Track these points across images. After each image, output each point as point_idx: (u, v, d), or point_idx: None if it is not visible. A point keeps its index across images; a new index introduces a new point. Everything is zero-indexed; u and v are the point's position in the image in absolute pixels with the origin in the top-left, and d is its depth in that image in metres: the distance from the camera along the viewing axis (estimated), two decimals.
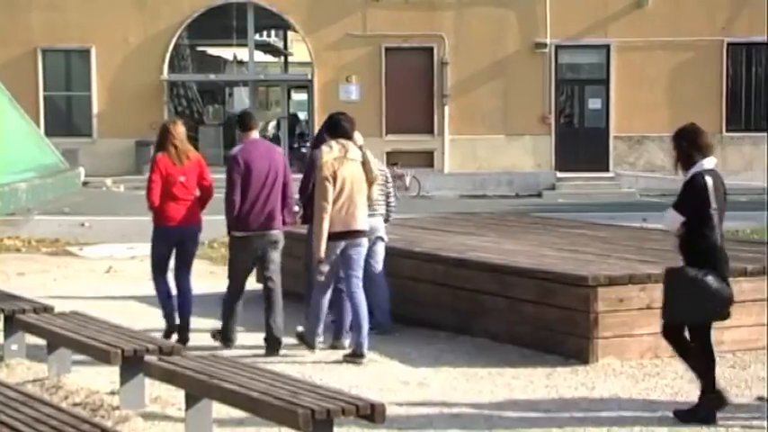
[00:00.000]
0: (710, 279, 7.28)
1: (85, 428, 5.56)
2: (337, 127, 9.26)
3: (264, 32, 38.87)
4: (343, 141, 9.18)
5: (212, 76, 35.88)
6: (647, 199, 28.54)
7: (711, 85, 30.98)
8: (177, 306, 9.61)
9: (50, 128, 29.57)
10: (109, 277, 12.79)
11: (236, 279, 9.54)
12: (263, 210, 9.31)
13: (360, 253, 9.16)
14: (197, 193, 9.60)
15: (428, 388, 8.28)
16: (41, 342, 8.88)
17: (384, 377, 8.61)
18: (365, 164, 9.16)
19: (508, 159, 31.03)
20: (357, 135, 9.48)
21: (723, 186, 7.50)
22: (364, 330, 9.03)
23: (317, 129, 30.60)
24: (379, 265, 10.06)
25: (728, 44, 30.95)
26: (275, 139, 35.14)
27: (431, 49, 31.04)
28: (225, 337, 9.54)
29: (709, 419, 7.32)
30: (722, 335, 9.22)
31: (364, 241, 9.21)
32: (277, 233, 9.43)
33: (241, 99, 37.04)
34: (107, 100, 30.89)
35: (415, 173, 30.08)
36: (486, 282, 9.81)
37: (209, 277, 13.29)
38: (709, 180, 7.38)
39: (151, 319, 10.84)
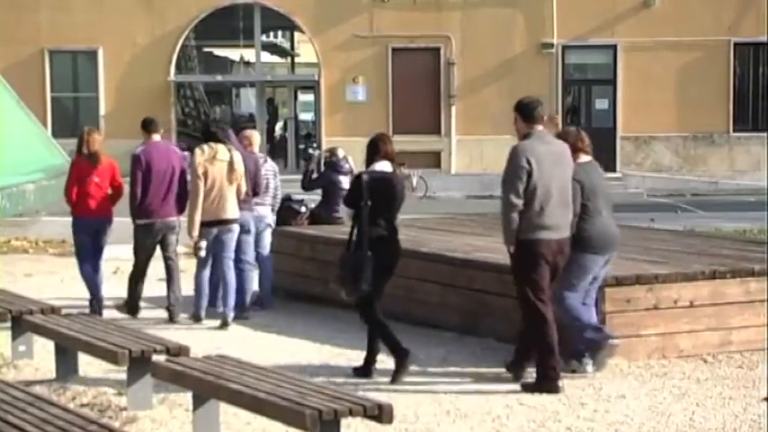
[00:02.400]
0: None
1: (93, 429, 5.56)
2: (209, 133, 10.96)
3: (271, 33, 38.88)
4: (213, 144, 10.75)
5: (219, 77, 35.90)
6: (655, 199, 28.50)
7: (719, 85, 30.94)
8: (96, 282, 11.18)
9: (58, 129, 29.59)
10: (116, 278, 12.80)
11: (141, 260, 11.09)
12: (161, 201, 10.92)
13: (231, 238, 10.81)
14: (109, 191, 11.11)
15: (435, 388, 8.27)
16: (49, 343, 8.89)
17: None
18: (231, 164, 10.68)
19: None
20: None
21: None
22: (231, 302, 10.69)
23: (323, 129, 30.71)
24: (266, 249, 11.68)
25: (735, 44, 30.90)
26: (282, 140, 35.18)
27: (438, 50, 31.04)
28: (130, 308, 11.09)
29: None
30: (730, 335, 9.23)
31: (234, 227, 10.80)
32: (173, 220, 11.05)
33: (248, 100, 37.08)
34: (114, 101, 30.94)
35: (421, 173, 30.06)
36: (492, 282, 9.80)
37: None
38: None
39: (158, 321, 10.86)
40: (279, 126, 36.52)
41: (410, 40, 30.82)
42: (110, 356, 7.75)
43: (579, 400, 7.92)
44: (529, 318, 8.15)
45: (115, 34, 30.68)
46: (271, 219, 11.96)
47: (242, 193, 10.81)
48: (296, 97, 36.45)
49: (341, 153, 12.86)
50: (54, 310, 9.32)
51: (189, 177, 10.93)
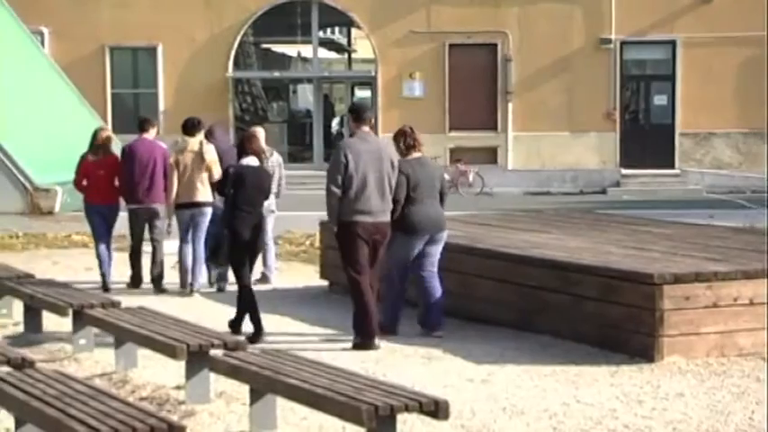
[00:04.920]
0: None
1: (152, 422, 5.61)
2: (185, 127, 12.51)
3: (328, 29, 38.93)
4: (185, 138, 12.39)
5: (276, 74, 36.02)
6: (714, 196, 28.22)
7: None
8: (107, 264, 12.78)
9: (118, 125, 29.84)
10: (175, 273, 12.91)
11: (133, 240, 12.86)
12: (145, 189, 12.58)
13: (203, 221, 12.31)
14: (116, 182, 12.79)
15: (492, 385, 8.27)
16: (109, 336, 9.00)
17: (448, 374, 8.61)
18: (200, 154, 12.23)
19: (572, 156, 30.84)
20: (276, 155, 13.01)
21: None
22: (198, 275, 12.33)
23: (380, 125, 30.75)
24: (269, 233, 12.72)
25: None
26: (339, 137, 35.24)
27: (495, 46, 30.93)
28: (133, 281, 12.81)
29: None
30: (737, 336, 9.09)
31: (207, 210, 12.27)
32: (157, 206, 12.63)
33: (305, 96, 37.18)
34: (173, 97, 31.18)
35: (478, 169, 29.99)
36: (549, 279, 9.77)
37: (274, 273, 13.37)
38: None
39: (215, 315, 10.94)
40: (335, 122, 36.58)
41: (467, 35, 30.74)
42: (168, 350, 7.82)
43: (637, 398, 7.88)
44: (349, 286, 9.59)
45: (174, 31, 30.92)
46: (274, 206, 12.86)
47: (213, 178, 12.03)
48: (353, 93, 36.47)
49: None
50: (114, 305, 9.44)
51: None
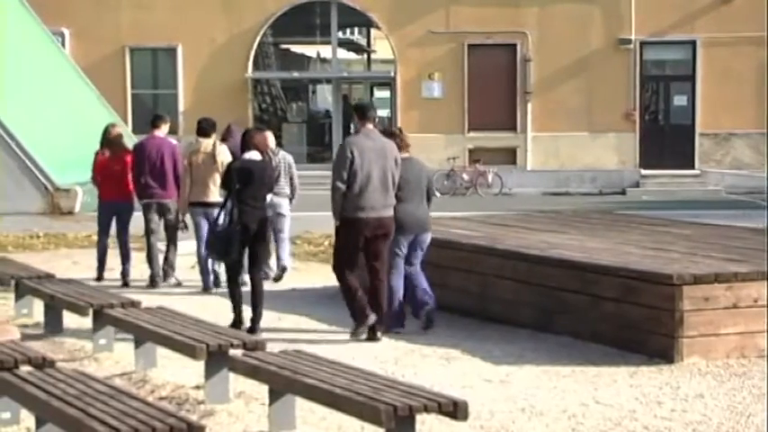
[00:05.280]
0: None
1: (172, 422, 5.63)
2: (199, 128, 12.71)
3: (348, 30, 38.98)
4: (199, 138, 12.59)
5: (296, 74, 36.10)
6: (734, 197, 28.12)
7: None
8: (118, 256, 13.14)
9: (138, 125, 29.90)
10: (194, 273, 12.95)
11: (147, 235, 13.04)
12: (155, 184, 12.84)
13: (209, 220, 11.98)
14: (129, 179, 13.03)
15: (511, 386, 8.26)
16: (129, 336, 9.03)
17: (466, 374, 8.60)
18: (214, 155, 12.44)
19: (592, 156, 30.79)
20: (283, 153, 13.06)
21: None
22: (204, 271, 12.50)
23: (399, 125, 30.73)
24: (284, 233, 13.04)
25: None
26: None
27: (514, 46, 30.91)
28: (151, 280, 12.96)
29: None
30: (757, 337, 9.06)
31: (213, 211, 11.76)
32: (168, 201, 12.88)
33: (324, 96, 37.22)
34: (193, 98, 31.27)
35: (497, 170, 29.98)
36: (568, 279, 9.76)
37: (293, 274, 13.40)
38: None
39: (233, 315, 10.96)
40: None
41: (486, 36, 30.72)
42: (188, 350, 7.84)
43: (656, 399, 7.86)
44: (338, 281, 9.94)
45: (194, 32, 31.01)
46: (286, 209, 12.99)
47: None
48: (372, 94, 36.50)
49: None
50: (134, 304, 9.46)
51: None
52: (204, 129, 12.67)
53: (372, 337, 9.73)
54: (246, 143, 10.49)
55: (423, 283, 10.28)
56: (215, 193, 12.26)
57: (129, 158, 13.11)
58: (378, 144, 9.76)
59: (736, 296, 8.90)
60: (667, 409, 7.62)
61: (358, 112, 10.08)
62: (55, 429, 6.25)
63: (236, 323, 10.12)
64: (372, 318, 9.72)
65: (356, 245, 9.72)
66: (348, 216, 9.66)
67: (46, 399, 6.28)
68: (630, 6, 30.42)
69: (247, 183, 10.15)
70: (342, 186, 9.60)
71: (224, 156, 12.38)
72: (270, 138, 12.60)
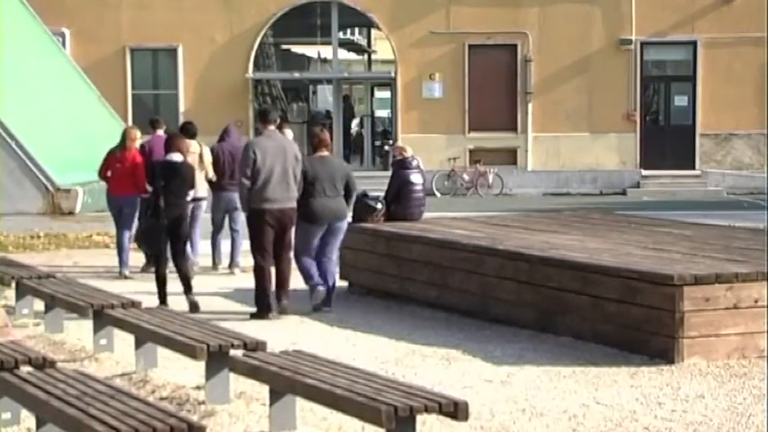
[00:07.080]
0: None
1: (172, 422, 5.63)
2: (186, 131, 13.68)
3: (348, 30, 38.96)
4: (188, 141, 13.05)
5: (296, 74, 36.06)
6: (734, 197, 28.11)
7: None
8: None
9: (138, 125, 29.62)
10: (196, 274, 12.96)
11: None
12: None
13: (199, 214, 13.61)
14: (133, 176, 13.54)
15: (511, 386, 8.26)
16: (129, 336, 9.03)
17: (467, 375, 8.60)
18: (201, 156, 13.64)
19: (592, 157, 30.77)
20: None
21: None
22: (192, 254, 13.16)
23: (400, 126, 30.76)
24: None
25: None
26: (359, 137, 35.28)
27: (514, 47, 30.88)
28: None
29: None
30: (758, 338, 9.06)
31: (202, 203, 13.74)
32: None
33: (325, 97, 37.21)
34: (193, 98, 31.25)
35: (497, 170, 29.96)
36: (569, 280, 9.75)
37: None
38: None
39: (235, 316, 10.97)
40: (355, 123, 36.58)
41: (487, 36, 30.71)
42: (188, 351, 7.84)
43: (657, 400, 7.86)
44: (253, 266, 11.00)
45: (194, 32, 30.99)
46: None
47: (209, 177, 13.75)
48: (372, 94, 36.48)
49: (409, 151, 12.99)
50: (134, 305, 9.46)
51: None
52: (191, 131, 13.78)
53: (266, 318, 10.82)
54: (170, 145, 11.65)
55: (331, 269, 11.39)
56: (202, 190, 13.42)
57: (137, 157, 13.80)
58: (278, 144, 11.05)
59: (736, 297, 8.90)
60: (668, 410, 7.61)
61: (261, 117, 11.48)
62: (55, 429, 6.25)
63: (162, 303, 11.10)
64: (280, 304, 10.91)
65: (264, 232, 10.86)
66: (255, 207, 10.87)
67: (46, 399, 6.28)
68: (631, 7, 30.40)
69: (169, 180, 11.29)
70: (246, 182, 10.84)
71: (208, 156, 13.82)
72: (288, 133, 13.49)
